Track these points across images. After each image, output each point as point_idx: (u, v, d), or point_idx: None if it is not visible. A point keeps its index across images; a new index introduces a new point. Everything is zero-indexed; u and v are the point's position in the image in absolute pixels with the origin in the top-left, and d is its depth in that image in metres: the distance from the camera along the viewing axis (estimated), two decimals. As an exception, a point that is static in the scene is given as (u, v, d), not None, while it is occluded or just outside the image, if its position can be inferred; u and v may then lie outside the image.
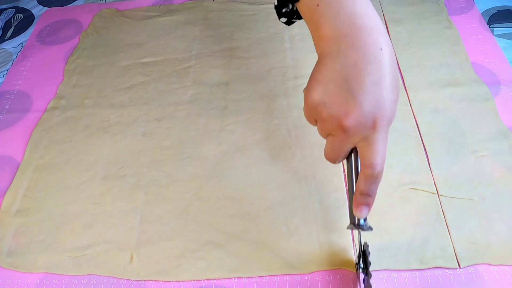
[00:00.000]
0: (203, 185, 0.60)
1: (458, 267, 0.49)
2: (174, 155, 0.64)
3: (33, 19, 0.95)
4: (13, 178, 0.64)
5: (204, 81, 0.74)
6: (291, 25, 0.54)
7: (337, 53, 0.39)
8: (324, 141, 0.43)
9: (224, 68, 0.76)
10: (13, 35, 0.92)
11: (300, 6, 0.44)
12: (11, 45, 0.89)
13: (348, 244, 0.52)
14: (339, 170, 0.59)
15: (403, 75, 0.71)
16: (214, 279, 0.52)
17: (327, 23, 0.40)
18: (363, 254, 0.47)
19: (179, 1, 0.93)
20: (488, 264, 0.49)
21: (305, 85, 0.42)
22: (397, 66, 0.47)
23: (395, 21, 0.80)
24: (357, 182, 0.42)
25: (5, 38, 0.91)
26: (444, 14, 0.80)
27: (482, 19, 0.79)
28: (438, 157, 0.59)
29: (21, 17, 0.97)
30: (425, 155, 0.60)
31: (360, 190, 0.41)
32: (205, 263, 0.53)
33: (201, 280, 0.52)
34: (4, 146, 0.69)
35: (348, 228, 0.45)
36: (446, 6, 0.82)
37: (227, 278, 0.52)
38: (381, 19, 0.79)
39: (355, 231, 0.51)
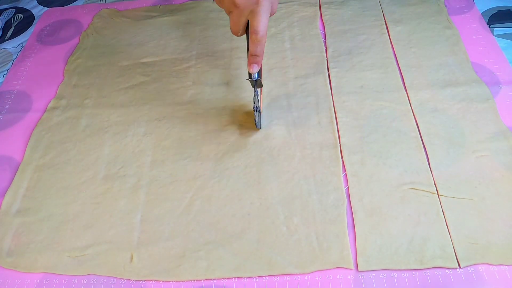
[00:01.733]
0: (203, 185, 0.60)
1: (458, 267, 0.49)
2: (174, 155, 0.64)
3: (33, 19, 0.95)
4: (13, 178, 0.64)
5: (204, 81, 0.74)
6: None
7: None
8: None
9: (224, 68, 0.76)
10: (13, 35, 0.92)
11: None
12: (11, 45, 0.89)
13: (347, 244, 0.52)
14: (339, 170, 0.59)
15: (403, 75, 0.71)
16: (214, 279, 0.52)
17: None
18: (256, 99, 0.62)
19: (179, 1, 0.94)
20: (488, 264, 0.49)
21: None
22: None
23: (395, 21, 0.80)
24: (248, 46, 0.56)
25: (5, 38, 0.91)
26: (444, 14, 0.80)
27: (482, 19, 0.79)
28: (438, 157, 0.59)
29: (21, 17, 0.97)
30: (425, 155, 0.60)
31: (251, 52, 0.56)
32: (205, 263, 0.53)
33: (201, 280, 0.52)
34: (4, 146, 0.69)
35: (246, 79, 0.59)
36: (446, 6, 0.82)
37: (227, 278, 0.52)
38: (381, 19, 0.81)
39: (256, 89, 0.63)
